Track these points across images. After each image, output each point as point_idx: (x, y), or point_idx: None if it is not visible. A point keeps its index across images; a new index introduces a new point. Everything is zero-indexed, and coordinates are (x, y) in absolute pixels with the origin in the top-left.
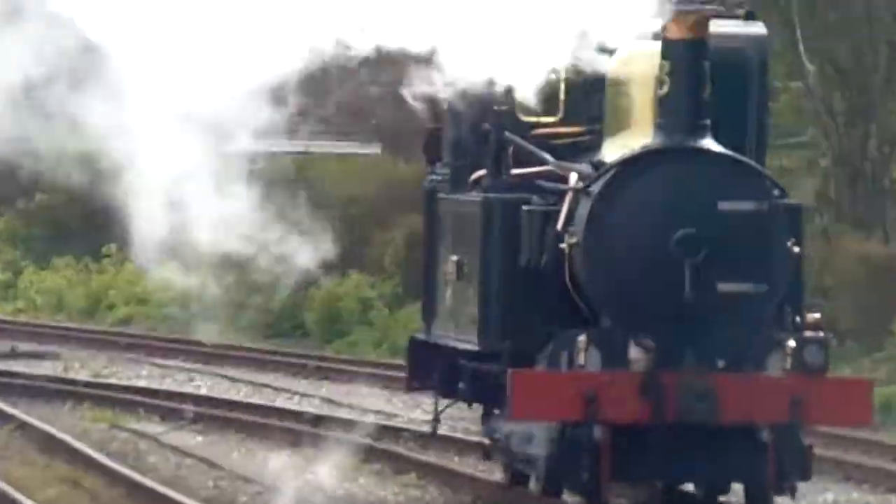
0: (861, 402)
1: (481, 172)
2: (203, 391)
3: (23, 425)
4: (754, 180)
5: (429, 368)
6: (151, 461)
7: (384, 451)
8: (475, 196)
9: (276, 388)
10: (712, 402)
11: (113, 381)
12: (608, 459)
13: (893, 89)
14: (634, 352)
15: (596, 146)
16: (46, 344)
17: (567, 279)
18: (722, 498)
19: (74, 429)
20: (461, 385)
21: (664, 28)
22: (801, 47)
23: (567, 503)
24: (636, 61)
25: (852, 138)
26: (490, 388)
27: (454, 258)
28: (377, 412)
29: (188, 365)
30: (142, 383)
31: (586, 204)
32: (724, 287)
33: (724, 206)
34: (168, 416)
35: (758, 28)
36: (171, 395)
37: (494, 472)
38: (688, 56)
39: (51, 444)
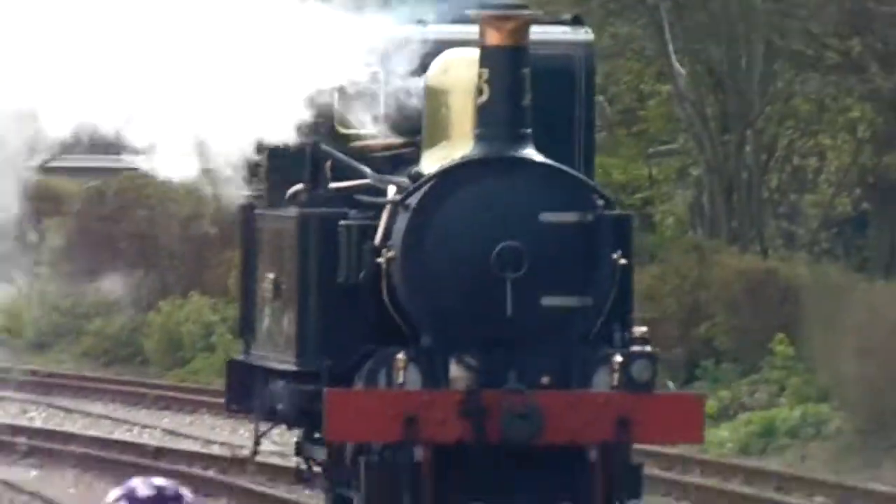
0: (692, 419)
1: (298, 187)
2: (37, 423)
3: None
4: (578, 191)
5: (249, 390)
6: None
7: (230, 484)
8: (292, 211)
9: (114, 419)
10: (536, 421)
11: None
12: (430, 481)
13: (770, 93)
14: (455, 370)
15: (417, 159)
16: None
17: (385, 295)
18: None
19: None
20: (280, 407)
21: (482, 35)
22: (671, 48)
23: None
24: (455, 69)
25: (727, 146)
26: (309, 409)
27: (271, 276)
28: (222, 443)
29: (21, 395)
30: None
31: (404, 218)
32: (547, 302)
33: (546, 217)
34: (0, 449)
35: (584, 33)
36: (2, 428)
37: (315, 499)
38: (506, 63)
39: None
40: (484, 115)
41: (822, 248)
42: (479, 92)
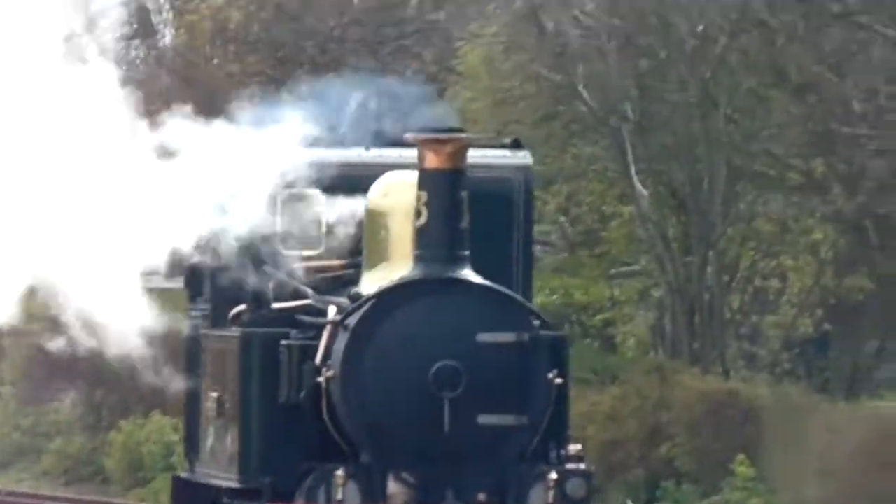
0: None
1: (241, 308)
2: None
3: None
4: (515, 311)
5: None
6: None
7: None
8: (234, 331)
9: None
10: None
11: None
12: None
13: (732, 214)
14: (394, 487)
15: (356, 280)
16: None
17: (325, 414)
18: None
19: None
20: None
21: (420, 158)
22: (633, 170)
23: None
24: (395, 192)
25: (689, 267)
26: None
27: (214, 395)
28: None
29: None
30: None
31: (343, 338)
32: (484, 420)
33: (483, 337)
34: None
35: (523, 157)
36: None
37: None
38: (444, 186)
39: None
40: (422, 237)
41: (784, 368)
42: (418, 214)
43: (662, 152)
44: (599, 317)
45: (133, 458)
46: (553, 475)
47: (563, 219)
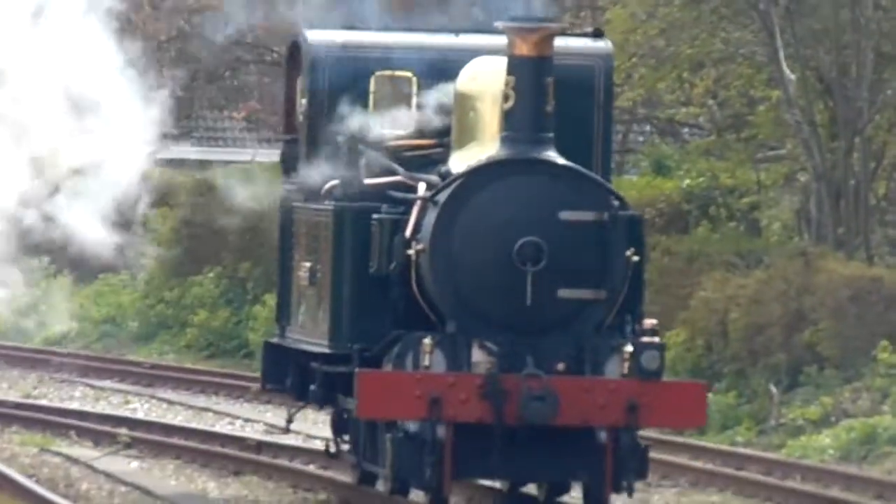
0: (695, 405)
1: (334, 182)
2: (139, 415)
3: None
4: (595, 191)
5: (283, 371)
6: (83, 488)
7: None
8: (327, 205)
9: (217, 413)
10: (552, 404)
11: (43, 402)
12: (451, 458)
13: (879, 101)
14: (477, 355)
15: (445, 159)
16: None
17: (414, 285)
18: (562, 498)
19: (2, 453)
20: (312, 387)
21: (510, 45)
22: (781, 54)
23: (414, 503)
24: (483, 77)
25: (835, 153)
26: (340, 390)
27: (307, 265)
28: (324, 439)
29: (124, 386)
30: (74, 405)
31: (433, 213)
32: (564, 293)
33: (565, 215)
34: (102, 440)
35: (604, 45)
36: (105, 419)
37: (343, 474)
38: (532, 72)
39: None
40: (509, 120)
41: None
42: (506, 98)
43: (811, 37)
44: (745, 200)
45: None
46: (628, 348)
47: (710, 102)
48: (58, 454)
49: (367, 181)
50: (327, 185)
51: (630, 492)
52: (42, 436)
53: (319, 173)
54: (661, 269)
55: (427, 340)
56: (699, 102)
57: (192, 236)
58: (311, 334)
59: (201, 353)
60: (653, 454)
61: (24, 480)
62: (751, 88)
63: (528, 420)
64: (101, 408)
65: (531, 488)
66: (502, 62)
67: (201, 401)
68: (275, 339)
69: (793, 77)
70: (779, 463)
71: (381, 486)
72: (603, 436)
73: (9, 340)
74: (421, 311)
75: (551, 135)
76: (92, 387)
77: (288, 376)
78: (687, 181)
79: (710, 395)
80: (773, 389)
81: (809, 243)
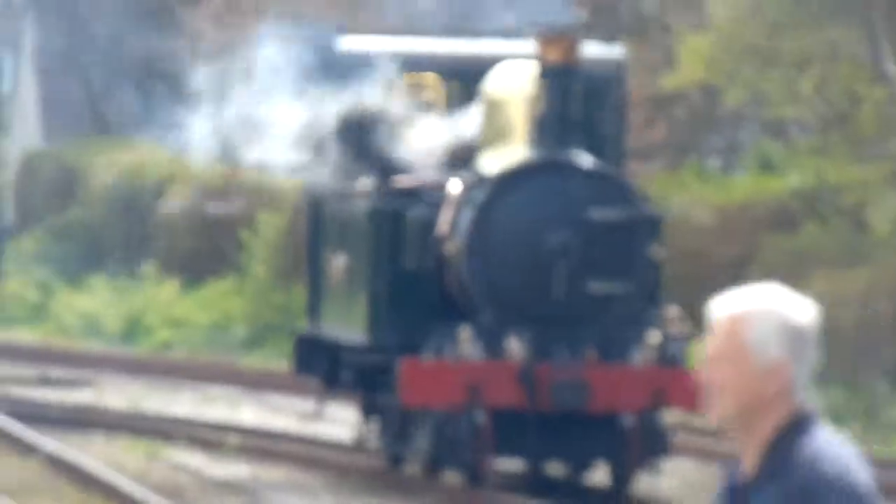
0: None
1: (367, 181)
2: (249, 420)
3: (54, 458)
4: (621, 190)
5: (315, 361)
6: (192, 496)
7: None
8: (363, 205)
9: (326, 419)
10: (584, 391)
11: (151, 409)
12: (488, 441)
13: None
14: (512, 344)
15: (467, 159)
16: (79, 369)
17: (451, 279)
18: (584, 477)
19: (110, 461)
20: (344, 376)
21: (540, 51)
22: (884, 52)
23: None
24: (512, 80)
25: None
26: (374, 378)
27: (341, 260)
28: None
29: (232, 392)
30: (182, 411)
31: (468, 211)
32: (593, 287)
33: (593, 214)
34: (210, 446)
35: (616, 51)
36: (213, 425)
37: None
38: (562, 78)
39: (84, 478)
40: (540, 123)
41: None
42: (537, 102)
43: None
44: (851, 197)
45: None
46: (654, 337)
47: (815, 100)
48: (166, 462)
49: (398, 180)
50: (359, 184)
51: (656, 471)
52: (149, 442)
53: (349, 172)
54: (768, 268)
55: (465, 331)
56: (805, 101)
57: (300, 242)
58: (347, 326)
59: None
60: None
61: (132, 488)
62: (854, 86)
63: (561, 407)
64: (210, 414)
65: (552, 469)
66: (529, 65)
67: (310, 406)
68: (305, 332)
69: None
70: (890, 462)
71: (410, 469)
72: (630, 420)
73: (116, 346)
74: (454, 304)
75: (579, 137)
76: (200, 392)
77: (319, 365)
78: (794, 180)
79: (818, 392)
80: (884, 387)
81: None
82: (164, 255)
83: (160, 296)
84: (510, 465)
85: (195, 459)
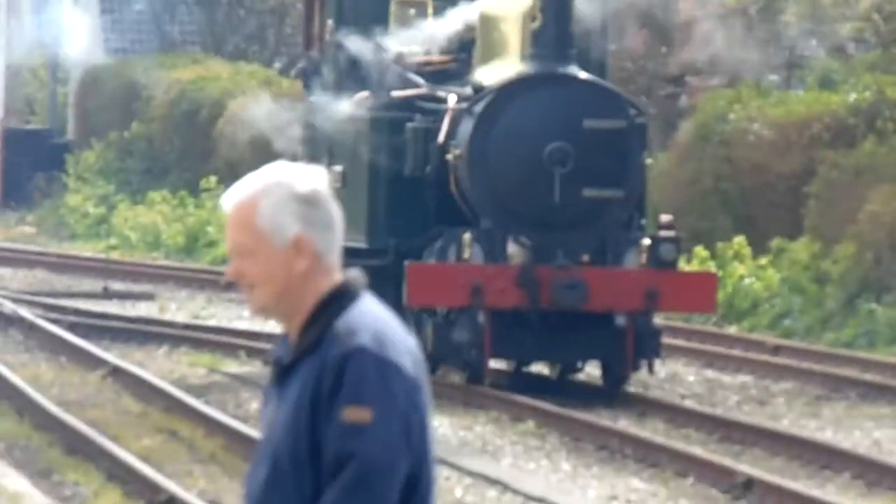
0: (707, 293)
1: (364, 94)
2: None
3: (116, 370)
4: (615, 101)
5: None
6: (253, 409)
7: None
8: (363, 114)
9: None
10: (582, 291)
11: (212, 322)
12: (490, 340)
13: None
14: (512, 248)
15: (461, 73)
16: (141, 283)
17: (452, 186)
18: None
19: (171, 374)
20: None
21: None
22: None
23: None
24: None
25: None
26: (374, 281)
27: (339, 168)
28: None
29: None
30: (243, 325)
31: (469, 121)
32: (588, 192)
33: (588, 123)
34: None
35: None
36: (274, 338)
37: None
38: None
39: (146, 391)
40: (538, 37)
41: None
42: (533, 18)
43: None
44: None
45: None
46: (646, 241)
47: (875, 16)
48: (227, 375)
49: (395, 93)
50: (358, 97)
51: (651, 368)
52: (211, 356)
53: (345, 87)
54: (828, 184)
55: (467, 235)
56: (863, 17)
57: None
58: (346, 232)
59: None
60: (823, 368)
61: (193, 401)
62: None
63: (561, 306)
64: (270, 327)
65: (537, 368)
66: None
67: None
68: None
69: None
70: None
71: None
72: (623, 320)
73: (178, 261)
74: (454, 209)
75: (574, 51)
76: None
77: None
78: (853, 95)
79: (878, 307)
80: None
81: None
82: (224, 169)
83: (221, 210)
84: (497, 365)
85: (257, 372)
